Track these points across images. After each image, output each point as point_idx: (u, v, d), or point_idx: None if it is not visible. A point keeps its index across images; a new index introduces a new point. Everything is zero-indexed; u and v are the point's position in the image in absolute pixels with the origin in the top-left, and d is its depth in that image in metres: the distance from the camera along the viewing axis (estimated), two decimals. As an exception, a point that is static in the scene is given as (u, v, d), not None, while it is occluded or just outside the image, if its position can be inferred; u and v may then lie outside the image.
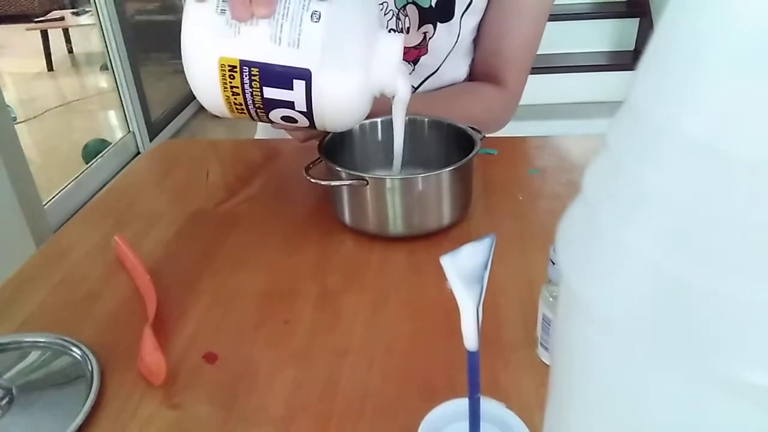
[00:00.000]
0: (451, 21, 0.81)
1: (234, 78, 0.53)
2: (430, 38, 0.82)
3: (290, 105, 0.55)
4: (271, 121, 0.59)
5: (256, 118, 0.58)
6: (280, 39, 0.52)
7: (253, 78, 0.53)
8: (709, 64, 0.16)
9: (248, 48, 0.52)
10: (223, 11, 0.52)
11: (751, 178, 0.16)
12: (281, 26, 0.52)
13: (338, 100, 0.55)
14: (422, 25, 0.81)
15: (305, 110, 0.55)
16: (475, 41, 0.87)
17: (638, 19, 2.99)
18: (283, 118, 0.57)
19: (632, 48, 3.04)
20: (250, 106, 0.56)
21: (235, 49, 0.53)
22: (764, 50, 0.15)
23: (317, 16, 0.52)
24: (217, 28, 0.52)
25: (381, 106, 0.65)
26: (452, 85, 0.89)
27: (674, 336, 0.17)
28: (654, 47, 0.18)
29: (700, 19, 0.16)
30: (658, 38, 0.18)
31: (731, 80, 0.16)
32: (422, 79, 0.86)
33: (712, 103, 0.16)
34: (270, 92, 0.54)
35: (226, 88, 0.54)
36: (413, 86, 0.87)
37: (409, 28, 0.81)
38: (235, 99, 0.55)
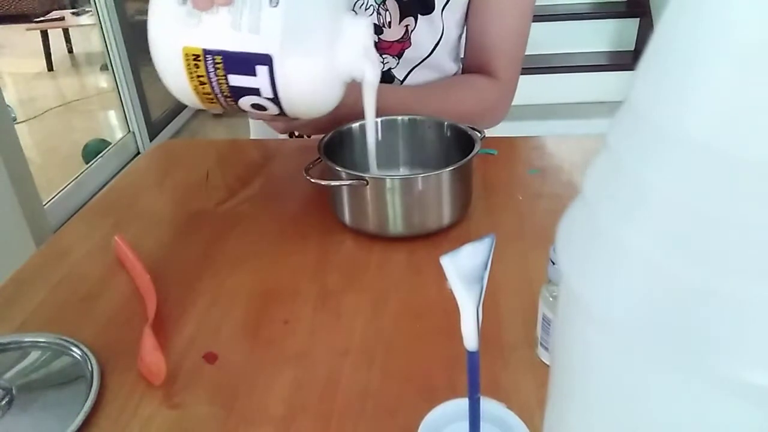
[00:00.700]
0: (431, 14, 0.82)
1: (199, 67, 0.54)
2: (412, 31, 0.83)
3: (256, 92, 0.55)
4: (242, 110, 0.59)
5: (226, 106, 0.58)
6: (240, 25, 0.52)
7: (217, 66, 0.53)
8: (708, 64, 0.16)
9: (210, 36, 0.53)
10: (184, 1, 0.53)
11: (750, 178, 0.16)
12: (241, 13, 0.52)
13: (304, 85, 0.55)
14: (403, 18, 0.82)
15: (272, 96, 0.55)
16: (464, 38, 0.88)
17: (638, 19, 2.99)
18: (253, 105, 0.57)
19: (632, 48, 3.04)
20: (218, 95, 0.56)
21: (198, 38, 0.53)
22: (764, 50, 0.15)
23: (276, 1, 0.52)
24: (180, 18, 0.53)
25: (381, 105, 0.65)
26: (444, 78, 0.89)
27: (674, 336, 0.17)
28: (654, 47, 0.18)
29: (700, 19, 0.16)
30: (658, 38, 0.18)
31: (731, 80, 0.16)
32: (407, 71, 0.86)
33: (712, 103, 0.16)
34: (235, 80, 0.54)
35: (192, 77, 0.55)
36: (399, 79, 0.87)
37: (390, 22, 0.82)
38: (203, 88, 0.55)
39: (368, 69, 0.57)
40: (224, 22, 0.52)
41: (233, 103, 0.57)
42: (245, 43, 0.52)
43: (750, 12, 0.15)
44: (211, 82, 0.55)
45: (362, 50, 0.56)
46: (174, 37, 0.54)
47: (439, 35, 0.84)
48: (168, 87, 0.57)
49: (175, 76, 0.55)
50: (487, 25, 0.83)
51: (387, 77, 0.86)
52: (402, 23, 0.82)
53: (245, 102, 0.57)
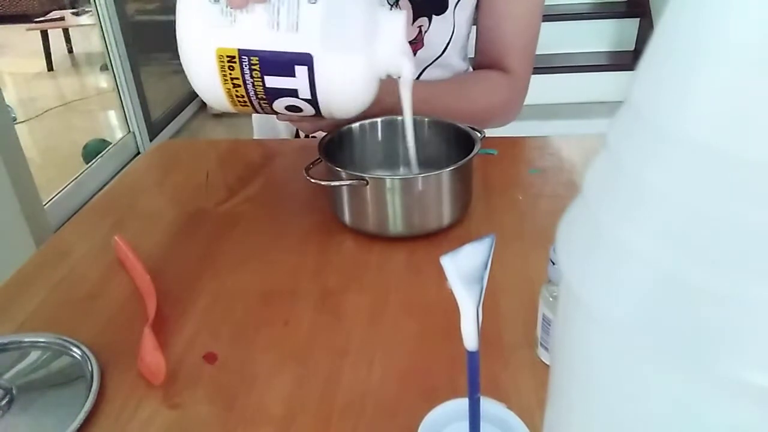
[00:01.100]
0: (445, 13, 0.81)
1: (233, 69, 0.52)
2: (425, 32, 0.82)
3: (294, 93, 0.53)
4: (275, 112, 0.57)
5: (260, 109, 0.57)
6: (278, 24, 0.50)
7: (253, 67, 0.51)
8: (708, 63, 0.16)
9: (246, 36, 0.51)
10: (217, 0, 0.51)
11: (750, 177, 0.16)
12: (278, 11, 0.50)
13: (343, 84, 0.53)
14: (417, 18, 0.81)
15: (310, 97, 0.53)
16: (475, 35, 0.87)
17: (638, 19, 2.99)
18: (288, 107, 0.55)
19: (632, 48, 3.04)
20: (252, 98, 0.54)
21: (233, 39, 0.51)
22: (764, 50, 0.15)
23: None
24: (212, 18, 0.51)
25: (382, 107, 0.65)
26: (456, 74, 0.89)
27: (674, 336, 0.17)
28: (654, 47, 0.18)
29: (700, 18, 0.16)
30: (658, 38, 0.18)
31: (731, 80, 0.16)
32: (419, 71, 0.86)
33: (712, 102, 0.16)
34: (272, 81, 0.52)
35: (226, 80, 0.53)
36: None
37: None
38: (237, 91, 0.54)
39: (406, 65, 0.55)
40: (260, 21, 0.50)
41: (267, 105, 0.55)
42: (283, 42, 0.50)
43: (750, 12, 0.15)
44: (245, 85, 0.53)
45: (400, 45, 0.54)
46: (206, 38, 0.51)
47: (450, 34, 0.84)
48: (198, 91, 0.55)
49: (206, 79, 0.53)
50: (498, 20, 0.82)
51: None
52: (415, 24, 0.82)
53: (280, 104, 0.55)
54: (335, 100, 0.55)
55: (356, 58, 0.53)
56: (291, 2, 0.50)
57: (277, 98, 0.54)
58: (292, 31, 0.50)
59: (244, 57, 0.51)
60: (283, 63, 0.51)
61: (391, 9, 0.80)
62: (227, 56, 0.51)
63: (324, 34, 0.50)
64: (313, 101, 0.54)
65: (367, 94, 0.57)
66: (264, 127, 0.99)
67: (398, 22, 0.54)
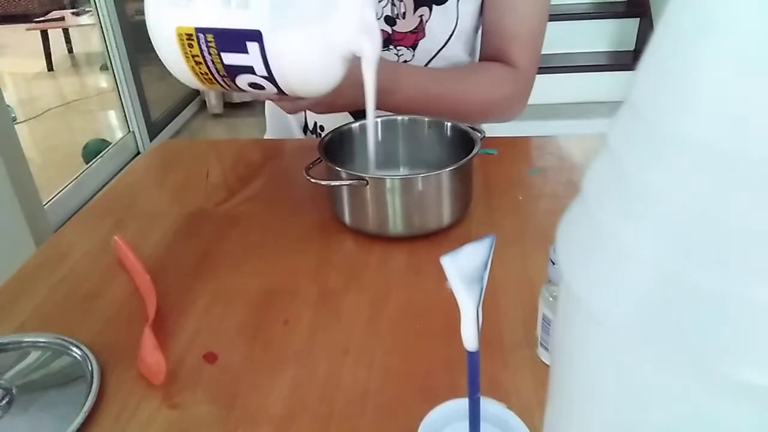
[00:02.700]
0: (446, 4, 0.81)
1: (192, 47, 0.53)
2: (426, 21, 0.82)
3: (251, 70, 0.54)
4: (241, 89, 0.58)
5: (225, 86, 0.57)
6: (230, 1, 0.51)
7: (209, 44, 0.52)
8: (708, 63, 0.16)
9: (201, 14, 0.52)
10: None
11: (750, 178, 0.16)
12: None
13: (297, 61, 0.53)
14: (417, 8, 0.81)
15: (266, 75, 0.54)
16: (481, 30, 0.87)
17: (638, 19, 2.99)
18: (250, 84, 0.56)
19: (632, 48, 3.04)
20: (215, 75, 0.55)
21: (190, 17, 0.52)
22: (764, 49, 0.15)
23: None
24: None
25: (397, 86, 0.64)
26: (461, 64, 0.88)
27: (674, 336, 0.17)
28: (654, 47, 0.18)
29: (700, 18, 0.16)
30: (658, 38, 0.18)
31: (731, 80, 0.16)
32: (423, 64, 0.86)
33: (712, 102, 0.16)
34: (229, 58, 0.53)
35: (188, 58, 0.54)
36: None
37: (405, 12, 0.82)
38: (200, 68, 0.55)
39: (366, 44, 0.54)
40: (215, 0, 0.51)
41: (230, 81, 0.56)
42: (234, 19, 0.51)
43: (750, 12, 0.15)
44: (206, 62, 0.54)
45: (359, 24, 0.53)
46: (168, 19, 0.53)
47: (454, 26, 0.83)
48: (170, 70, 0.57)
49: (172, 58, 0.55)
50: (503, 13, 0.81)
51: None
52: (416, 13, 0.82)
53: (242, 81, 0.55)
54: (293, 78, 0.55)
55: (307, 35, 0.53)
56: None
57: (237, 75, 0.55)
58: (243, 8, 0.51)
59: (200, 35, 0.52)
60: (235, 39, 0.52)
61: (392, 2, 0.80)
62: (186, 34, 0.53)
63: (273, 10, 0.51)
64: (271, 78, 0.54)
65: (329, 72, 0.56)
66: (277, 122, 0.99)
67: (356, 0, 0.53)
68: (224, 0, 0.51)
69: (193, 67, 0.55)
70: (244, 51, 0.52)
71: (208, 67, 0.54)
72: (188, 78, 0.57)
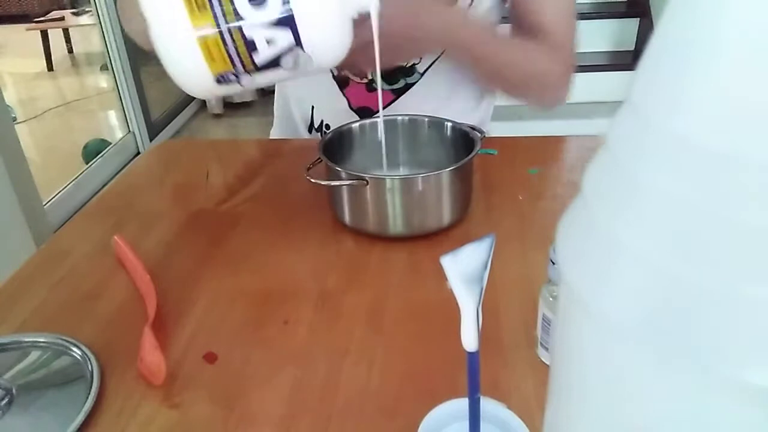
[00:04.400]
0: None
1: (214, 32, 0.49)
2: None
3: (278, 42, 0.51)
4: (257, 68, 0.54)
5: (242, 68, 0.53)
6: None
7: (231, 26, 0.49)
8: (707, 64, 0.16)
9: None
10: None
11: (746, 177, 0.16)
12: None
13: (321, 25, 0.52)
14: None
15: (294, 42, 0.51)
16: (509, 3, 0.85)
17: (638, 19, 2.99)
18: (272, 62, 0.53)
19: (632, 48, 3.04)
20: (234, 58, 0.52)
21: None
22: (761, 51, 0.15)
23: None
24: None
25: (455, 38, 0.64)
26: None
27: (673, 336, 0.17)
28: (654, 47, 0.18)
29: (699, 19, 0.16)
30: (658, 38, 0.18)
31: (729, 81, 0.16)
32: (428, 64, 0.85)
33: (711, 103, 0.16)
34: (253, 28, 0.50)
35: (196, 17, 0.49)
36: (420, 72, 0.85)
37: None
38: (212, 36, 0.50)
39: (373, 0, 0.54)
40: None
41: (250, 59, 0.52)
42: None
43: (747, 13, 0.15)
44: (216, 18, 0.49)
45: None
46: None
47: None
48: (169, 65, 0.52)
49: (177, 37, 0.50)
50: (532, 6, 0.79)
51: (409, 72, 0.85)
52: None
53: (264, 56, 0.52)
54: (320, 44, 0.53)
55: None
56: None
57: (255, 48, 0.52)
58: None
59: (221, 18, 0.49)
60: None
61: None
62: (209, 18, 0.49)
63: None
64: (296, 38, 0.52)
65: (346, 34, 0.55)
66: (282, 123, 0.98)
67: None
68: None
69: (204, 39, 0.50)
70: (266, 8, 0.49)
71: (228, 52, 0.51)
72: (198, 78, 0.53)
